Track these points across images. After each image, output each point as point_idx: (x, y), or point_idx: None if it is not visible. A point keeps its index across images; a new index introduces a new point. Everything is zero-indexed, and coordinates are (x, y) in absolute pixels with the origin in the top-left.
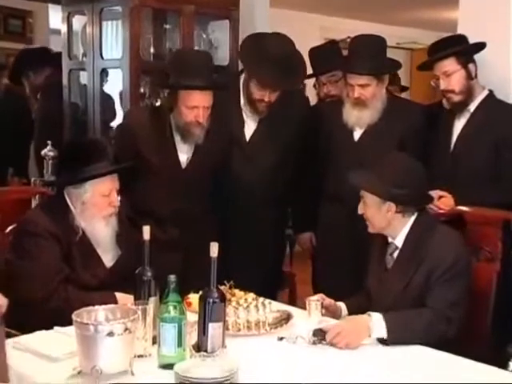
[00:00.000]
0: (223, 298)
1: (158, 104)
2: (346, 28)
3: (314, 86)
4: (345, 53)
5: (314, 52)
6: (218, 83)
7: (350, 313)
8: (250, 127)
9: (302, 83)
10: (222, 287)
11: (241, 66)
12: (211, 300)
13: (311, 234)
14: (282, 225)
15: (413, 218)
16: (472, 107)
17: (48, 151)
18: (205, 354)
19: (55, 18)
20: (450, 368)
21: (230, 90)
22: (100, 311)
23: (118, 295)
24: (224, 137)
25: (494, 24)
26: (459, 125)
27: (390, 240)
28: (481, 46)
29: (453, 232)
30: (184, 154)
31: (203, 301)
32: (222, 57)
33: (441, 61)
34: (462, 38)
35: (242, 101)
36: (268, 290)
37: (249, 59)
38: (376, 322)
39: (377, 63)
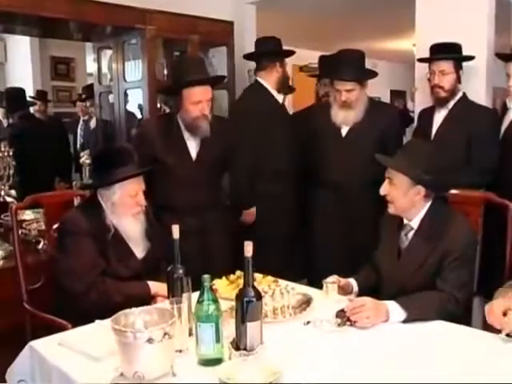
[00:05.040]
0: (259, 297)
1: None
2: (306, 55)
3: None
4: None
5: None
6: (215, 77)
7: (360, 287)
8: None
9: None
10: (238, 272)
11: None
12: (247, 299)
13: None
14: None
15: (430, 203)
16: (451, 104)
17: (85, 159)
18: (244, 352)
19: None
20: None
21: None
22: (137, 315)
23: (151, 284)
24: (227, 132)
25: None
26: (439, 117)
27: (405, 221)
28: (470, 58)
29: (466, 220)
30: (193, 149)
31: (240, 300)
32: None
33: (441, 61)
34: (459, 47)
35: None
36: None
37: None
38: (393, 308)
39: (360, 71)
